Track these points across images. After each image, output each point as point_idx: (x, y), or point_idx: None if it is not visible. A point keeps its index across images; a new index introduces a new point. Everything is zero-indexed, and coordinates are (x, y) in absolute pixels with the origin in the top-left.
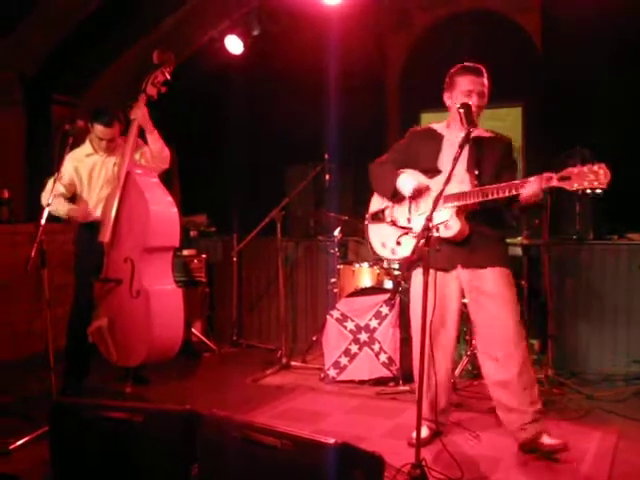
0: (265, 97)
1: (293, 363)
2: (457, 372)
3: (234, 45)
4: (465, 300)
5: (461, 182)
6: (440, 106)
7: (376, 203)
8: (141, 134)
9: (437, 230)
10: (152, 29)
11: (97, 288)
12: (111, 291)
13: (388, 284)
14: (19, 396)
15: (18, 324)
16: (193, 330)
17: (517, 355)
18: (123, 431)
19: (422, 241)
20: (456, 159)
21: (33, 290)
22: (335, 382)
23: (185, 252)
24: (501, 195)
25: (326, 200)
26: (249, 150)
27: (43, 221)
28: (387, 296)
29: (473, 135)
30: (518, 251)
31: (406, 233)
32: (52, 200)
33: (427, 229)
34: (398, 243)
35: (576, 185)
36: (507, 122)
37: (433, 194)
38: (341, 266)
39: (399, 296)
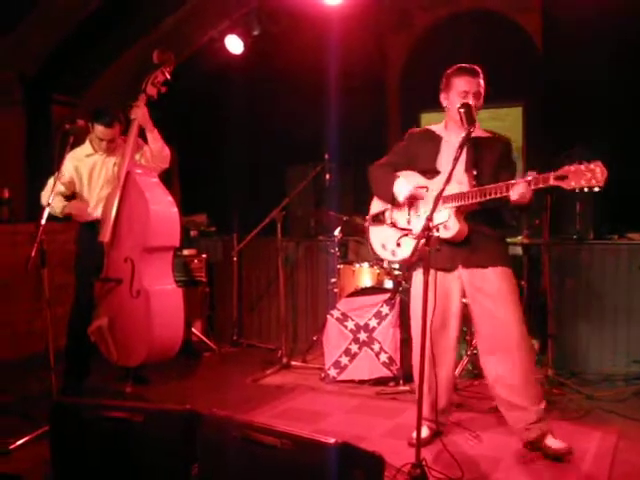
0: (265, 97)
1: (293, 363)
2: (457, 372)
3: (234, 45)
4: (465, 300)
5: (460, 182)
6: (440, 106)
7: (376, 205)
8: (141, 133)
9: (437, 230)
10: (152, 29)
11: (97, 288)
12: (111, 291)
13: (388, 284)
14: (19, 396)
15: (18, 324)
16: (193, 330)
17: (520, 354)
18: (123, 431)
19: (422, 241)
20: (456, 159)
21: (33, 290)
22: (335, 382)
23: (185, 252)
24: (494, 195)
25: (326, 200)
26: (249, 150)
27: (43, 221)
28: (387, 296)
29: (472, 135)
30: (518, 251)
31: (406, 234)
32: (52, 199)
33: (427, 229)
34: (398, 244)
35: (573, 184)
36: (507, 122)
37: (433, 194)
38: (341, 266)
39: (399, 296)
